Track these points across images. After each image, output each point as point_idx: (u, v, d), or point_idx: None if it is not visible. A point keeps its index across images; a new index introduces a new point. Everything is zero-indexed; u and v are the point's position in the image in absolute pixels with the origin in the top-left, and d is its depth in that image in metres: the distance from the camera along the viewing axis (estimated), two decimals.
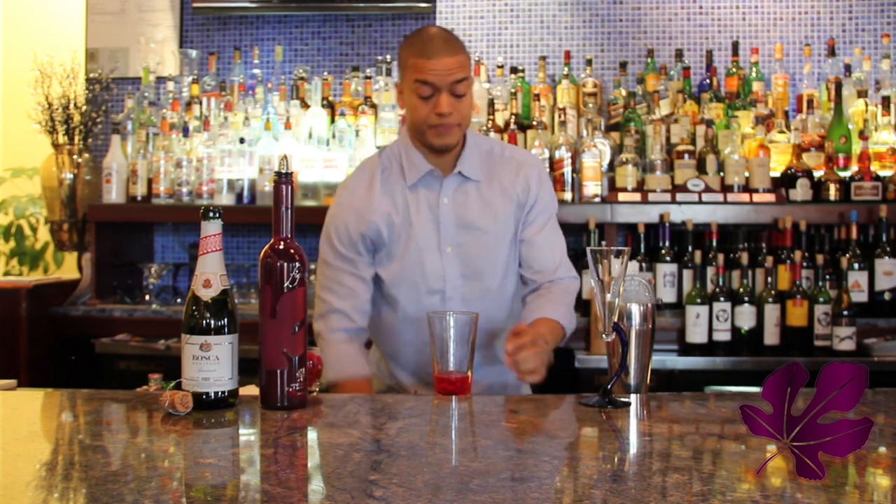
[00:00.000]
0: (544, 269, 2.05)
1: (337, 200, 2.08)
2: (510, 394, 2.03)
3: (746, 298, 3.08)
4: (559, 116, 3.49)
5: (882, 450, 1.27)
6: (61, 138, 3.72)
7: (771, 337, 3.06)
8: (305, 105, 3.64)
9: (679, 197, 3.24)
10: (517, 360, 1.73)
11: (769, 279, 3.10)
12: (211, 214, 1.49)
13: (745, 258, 3.12)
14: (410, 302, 2.01)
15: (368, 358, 2.10)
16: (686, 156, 3.33)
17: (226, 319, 1.49)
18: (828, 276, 3.15)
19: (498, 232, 2.02)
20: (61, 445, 1.31)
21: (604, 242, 3.25)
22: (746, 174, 3.29)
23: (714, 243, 3.19)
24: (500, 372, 2.00)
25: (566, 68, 3.68)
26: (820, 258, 3.09)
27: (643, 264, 3.21)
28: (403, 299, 2.02)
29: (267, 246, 1.52)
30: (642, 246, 3.26)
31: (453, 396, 1.65)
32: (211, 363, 1.46)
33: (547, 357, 1.81)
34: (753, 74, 3.62)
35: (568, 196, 3.30)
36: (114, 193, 3.57)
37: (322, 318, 2.04)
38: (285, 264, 1.49)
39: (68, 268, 4.05)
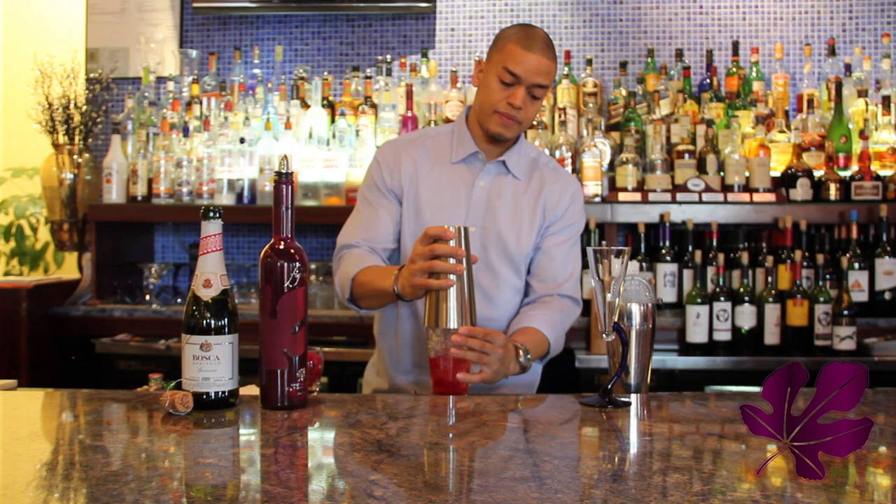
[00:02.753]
0: (550, 280, 2.04)
1: (384, 145, 2.16)
2: (512, 392, 2.03)
3: (747, 298, 3.08)
4: (559, 116, 3.49)
5: (882, 449, 1.27)
6: (61, 138, 3.72)
7: (771, 337, 3.06)
8: (305, 105, 3.64)
9: (679, 197, 3.24)
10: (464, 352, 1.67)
11: (769, 279, 3.10)
12: (211, 214, 1.49)
13: (745, 258, 3.12)
14: None
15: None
16: (686, 155, 3.33)
17: (226, 319, 1.49)
18: (828, 276, 3.15)
19: (522, 228, 2.04)
20: (61, 445, 1.31)
21: (604, 242, 3.25)
22: (747, 174, 3.29)
23: (714, 243, 3.19)
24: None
25: (566, 68, 3.68)
26: (820, 258, 3.09)
27: (643, 264, 3.21)
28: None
29: (267, 246, 1.52)
30: (642, 246, 3.26)
31: (451, 397, 1.65)
32: (211, 363, 1.46)
33: (498, 363, 1.72)
34: (754, 74, 3.62)
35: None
36: (114, 193, 3.57)
37: (337, 253, 2.05)
38: (285, 264, 1.49)
39: (68, 268, 4.05)
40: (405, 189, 2.05)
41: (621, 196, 3.27)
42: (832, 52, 3.63)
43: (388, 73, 3.67)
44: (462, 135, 2.07)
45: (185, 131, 3.59)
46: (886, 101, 3.41)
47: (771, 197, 3.24)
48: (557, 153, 3.32)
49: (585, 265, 2.69)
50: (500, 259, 2.03)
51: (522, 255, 2.04)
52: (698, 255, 3.16)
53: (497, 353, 1.70)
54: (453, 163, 2.06)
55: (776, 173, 3.34)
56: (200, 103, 3.68)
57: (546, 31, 2.00)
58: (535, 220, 2.05)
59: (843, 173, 3.33)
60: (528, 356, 1.83)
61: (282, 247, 1.51)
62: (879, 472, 1.19)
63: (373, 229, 2.03)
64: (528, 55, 1.91)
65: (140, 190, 3.56)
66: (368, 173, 2.11)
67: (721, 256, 3.10)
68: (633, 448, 1.32)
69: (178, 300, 3.55)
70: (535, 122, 3.44)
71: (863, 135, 3.32)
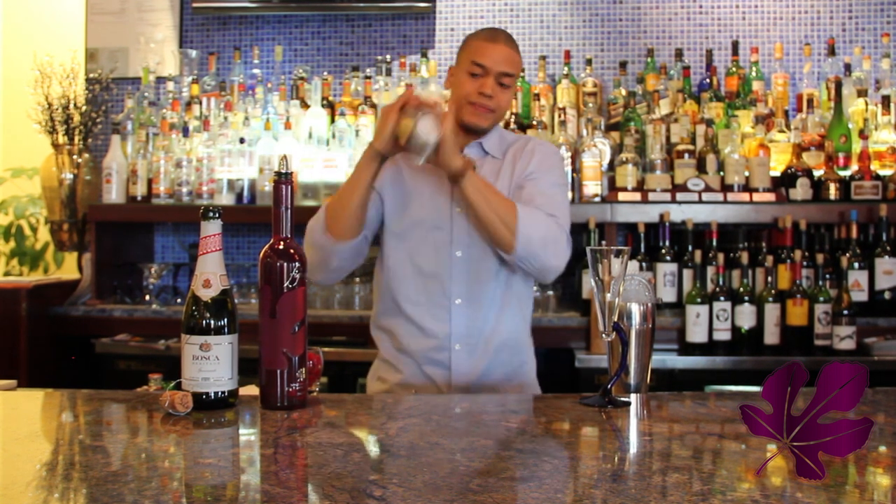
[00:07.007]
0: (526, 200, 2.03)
1: None
2: (511, 391, 2.03)
3: (746, 298, 3.07)
4: (559, 116, 3.49)
5: (882, 449, 1.27)
6: (61, 138, 3.72)
7: (771, 336, 3.06)
8: (305, 105, 3.64)
9: (679, 196, 3.24)
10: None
11: (769, 279, 3.10)
12: (211, 214, 1.49)
13: (745, 258, 3.12)
14: (419, 243, 2.05)
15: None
16: (686, 155, 3.32)
17: (226, 319, 1.49)
18: (828, 276, 3.14)
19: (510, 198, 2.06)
20: (61, 446, 1.31)
21: (604, 242, 3.25)
22: (746, 174, 3.29)
23: (714, 243, 3.19)
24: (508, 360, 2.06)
25: (566, 68, 3.67)
26: (820, 257, 3.08)
27: (643, 264, 3.21)
28: (412, 240, 2.06)
29: (267, 246, 1.52)
30: (642, 245, 3.26)
31: (450, 397, 1.65)
32: (211, 363, 1.46)
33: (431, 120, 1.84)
34: (753, 74, 3.62)
35: (568, 196, 3.30)
36: (114, 193, 3.57)
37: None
38: (285, 264, 1.49)
39: (68, 268, 4.05)
40: (387, 187, 2.10)
41: (621, 196, 3.27)
42: (832, 51, 3.63)
43: (388, 73, 3.67)
44: None
45: (185, 131, 3.59)
46: (886, 100, 3.41)
47: (771, 197, 3.24)
48: None
49: (585, 265, 2.69)
50: None
51: None
52: (698, 254, 3.16)
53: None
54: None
55: (776, 173, 3.34)
56: (200, 103, 3.68)
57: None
58: (512, 185, 2.08)
59: (842, 173, 3.32)
60: (473, 167, 1.92)
61: (281, 247, 1.51)
62: (879, 471, 1.19)
63: None
64: (492, 46, 2.05)
65: (140, 190, 3.56)
66: None
67: (721, 256, 3.10)
68: (633, 448, 1.32)
69: (178, 300, 3.54)
70: (534, 122, 3.44)
71: (862, 134, 3.32)
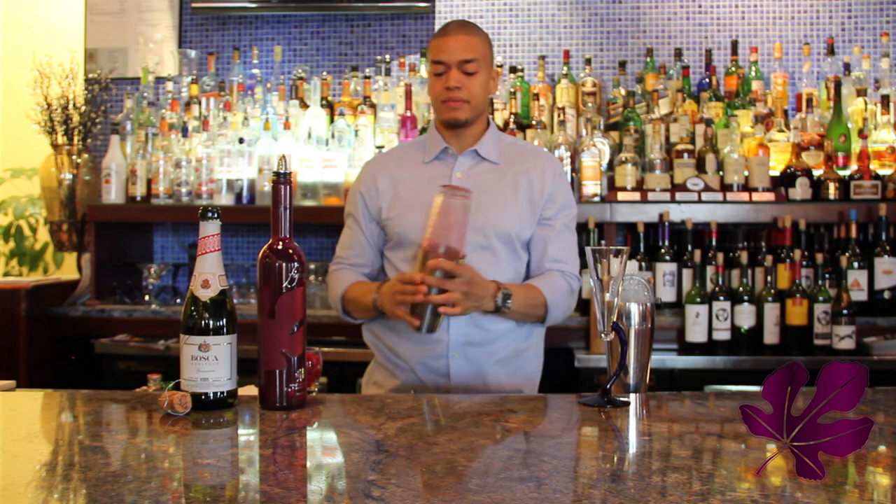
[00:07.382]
0: (549, 263, 2.09)
1: (364, 167, 2.26)
2: (511, 392, 2.03)
3: (746, 297, 3.07)
4: (558, 116, 3.49)
5: (882, 449, 1.27)
6: (60, 139, 3.71)
7: (770, 336, 3.06)
8: (304, 105, 3.64)
9: (678, 196, 3.24)
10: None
11: (769, 278, 3.10)
12: (209, 215, 1.49)
13: (744, 257, 3.12)
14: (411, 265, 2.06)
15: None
16: (685, 155, 3.32)
17: (224, 320, 1.49)
18: (827, 275, 3.14)
19: (509, 206, 2.06)
20: (61, 446, 1.31)
21: (603, 242, 3.25)
22: (746, 173, 3.29)
23: (713, 242, 3.19)
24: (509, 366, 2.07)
25: (565, 68, 3.67)
26: (819, 257, 3.08)
27: (642, 263, 3.21)
28: (410, 248, 2.06)
29: (266, 246, 1.52)
30: (642, 245, 3.26)
31: (450, 396, 1.65)
32: (210, 363, 1.46)
33: (465, 298, 1.86)
34: (753, 73, 3.62)
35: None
36: (113, 194, 3.57)
37: (331, 265, 2.24)
38: (284, 264, 1.49)
39: (68, 268, 4.05)
40: (385, 206, 2.12)
41: (620, 195, 3.27)
42: (831, 51, 3.63)
43: (387, 72, 3.67)
44: (433, 137, 2.14)
45: (184, 131, 3.58)
46: (885, 100, 3.41)
47: (770, 196, 3.24)
48: (556, 153, 3.31)
49: (584, 265, 2.69)
50: (488, 237, 2.04)
51: (513, 232, 2.06)
52: (697, 254, 3.16)
53: (460, 288, 1.84)
54: (426, 162, 2.12)
55: (775, 172, 3.34)
56: (199, 103, 3.68)
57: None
58: (518, 197, 2.07)
59: (842, 172, 3.32)
60: (509, 300, 1.95)
61: (280, 247, 1.51)
62: (879, 471, 1.19)
63: (355, 252, 2.17)
64: (444, 39, 2.05)
65: (139, 190, 3.56)
66: (352, 194, 2.20)
67: (720, 256, 3.10)
68: (632, 448, 1.32)
69: (178, 300, 3.54)
70: (533, 122, 3.44)
71: (862, 134, 3.32)
